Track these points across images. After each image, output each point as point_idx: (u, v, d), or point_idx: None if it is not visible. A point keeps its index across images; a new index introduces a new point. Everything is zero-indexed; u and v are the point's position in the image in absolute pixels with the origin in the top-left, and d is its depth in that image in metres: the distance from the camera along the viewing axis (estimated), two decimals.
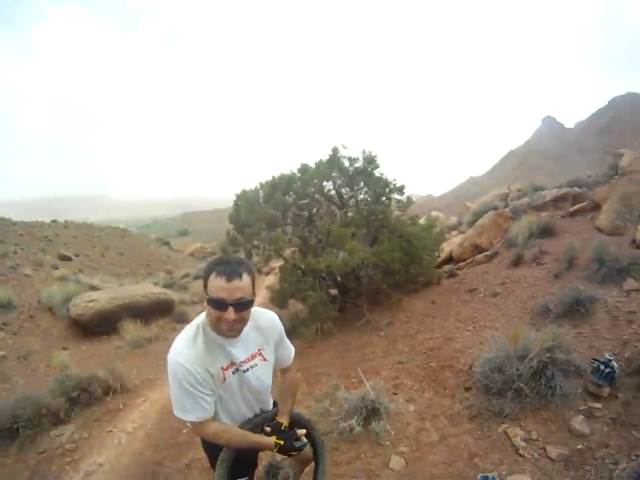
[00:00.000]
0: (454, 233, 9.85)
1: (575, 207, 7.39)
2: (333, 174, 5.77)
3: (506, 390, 2.89)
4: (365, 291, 4.90)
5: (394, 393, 3.39)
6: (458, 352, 3.67)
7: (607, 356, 3.11)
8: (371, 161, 5.80)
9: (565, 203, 7.97)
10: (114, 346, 6.48)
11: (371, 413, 3.08)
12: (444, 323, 4.33)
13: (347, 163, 5.76)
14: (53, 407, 3.86)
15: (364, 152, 5.85)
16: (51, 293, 7.85)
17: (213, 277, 1.34)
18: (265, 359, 1.60)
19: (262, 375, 1.62)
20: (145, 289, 8.40)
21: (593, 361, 3.16)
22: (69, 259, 18.52)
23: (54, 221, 27.71)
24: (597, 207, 6.80)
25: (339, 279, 5.31)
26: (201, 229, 71.22)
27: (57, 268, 12.65)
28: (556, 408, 2.74)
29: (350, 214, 5.85)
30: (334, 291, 5.61)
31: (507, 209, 8.29)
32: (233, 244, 5.87)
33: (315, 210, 5.92)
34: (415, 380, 3.55)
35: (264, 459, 2.03)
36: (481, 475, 1.43)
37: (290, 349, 1.74)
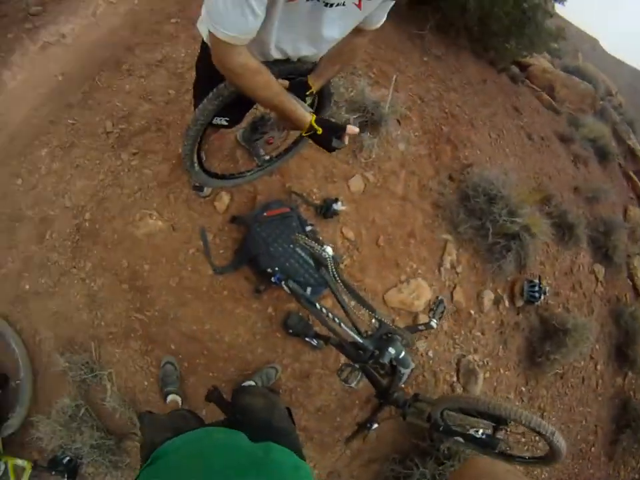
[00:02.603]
0: (547, 55, 7.27)
1: None
2: None
3: (476, 216, 2.76)
4: (445, 11, 3.86)
5: (398, 120, 2.95)
6: (470, 142, 3.27)
7: None
8: None
9: None
10: None
11: (371, 121, 2.63)
12: (479, 106, 3.79)
13: None
14: None
15: None
16: None
17: None
18: (359, 6, 1.07)
19: (342, 20, 1.12)
20: None
21: None
22: None
23: None
24: None
25: None
26: None
27: None
28: (488, 270, 2.78)
29: None
30: None
31: (601, 102, 6.50)
32: None
33: None
34: (421, 126, 3.12)
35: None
36: (441, 297, 1.51)
37: (386, 13, 1.22)
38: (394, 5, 1.16)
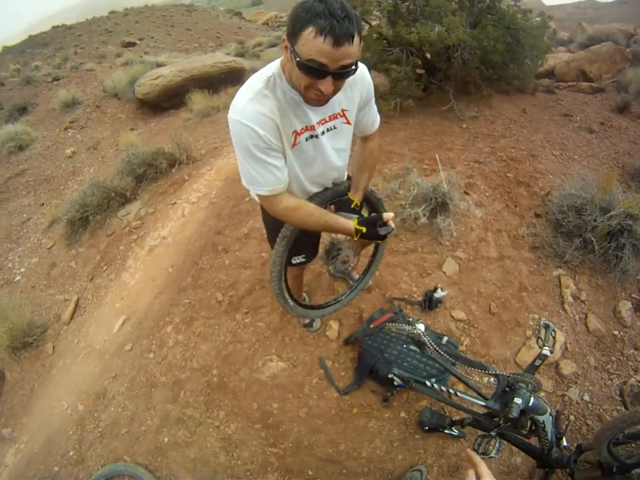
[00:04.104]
0: (561, 48, 8.34)
1: None
2: None
3: (575, 235, 2.67)
4: (454, 75, 4.31)
5: (465, 192, 3.07)
6: (538, 173, 3.34)
7: None
8: None
9: None
10: (182, 119, 6.12)
11: (439, 206, 2.75)
12: (531, 136, 3.92)
13: None
14: (120, 188, 3.91)
15: None
16: (115, 79, 7.56)
17: (310, 33, 0.94)
18: (348, 122, 1.32)
19: (341, 139, 1.37)
20: (215, 59, 7.71)
21: None
22: (132, 44, 18.58)
23: (112, 12, 27.85)
24: None
25: (428, 56, 4.59)
26: None
27: (120, 56, 12.75)
28: (612, 280, 2.61)
29: None
30: (420, 71, 4.89)
31: (629, 49, 6.66)
32: None
33: None
34: (488, 185, 3.22)
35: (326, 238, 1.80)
36: (544, 320, 1.44)
37: (376, 113, 1.44)
38: (375, 99, 1.38)
